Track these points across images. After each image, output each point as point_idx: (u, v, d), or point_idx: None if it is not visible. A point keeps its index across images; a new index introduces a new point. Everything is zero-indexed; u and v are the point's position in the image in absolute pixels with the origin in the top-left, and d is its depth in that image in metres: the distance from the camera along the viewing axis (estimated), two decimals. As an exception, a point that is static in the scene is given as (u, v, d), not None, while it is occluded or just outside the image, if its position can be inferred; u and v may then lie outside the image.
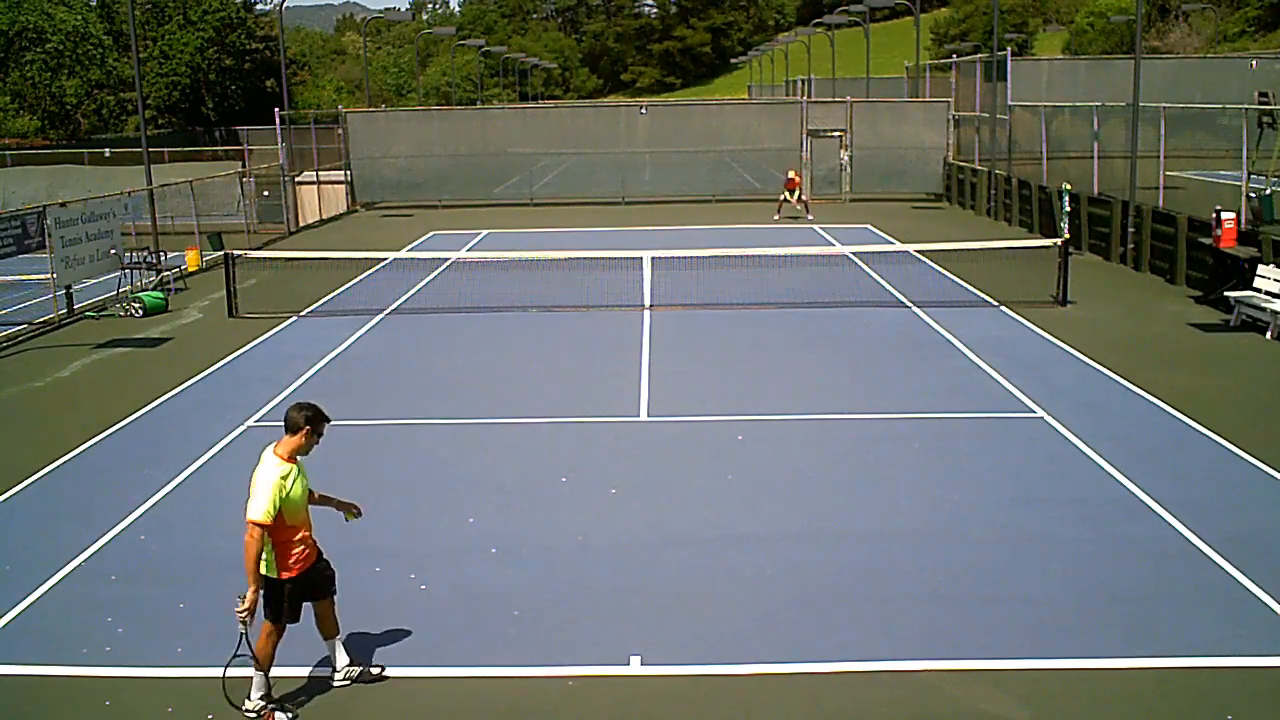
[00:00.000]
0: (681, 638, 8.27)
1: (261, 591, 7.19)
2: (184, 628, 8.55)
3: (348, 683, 7.66)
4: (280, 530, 7.18)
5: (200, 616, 8.75)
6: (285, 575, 7.27)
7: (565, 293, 21.16)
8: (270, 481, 7.08)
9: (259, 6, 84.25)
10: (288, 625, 7.39)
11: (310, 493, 7.51)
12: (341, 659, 7.71)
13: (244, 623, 7.08)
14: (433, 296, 22.09)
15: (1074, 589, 8.92)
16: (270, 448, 7.29)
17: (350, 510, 7.88)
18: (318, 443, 7.39)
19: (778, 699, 7.48)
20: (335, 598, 7.70)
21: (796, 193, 33.85)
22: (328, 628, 7.69)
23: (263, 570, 7.21)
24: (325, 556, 7.62)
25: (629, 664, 7.91)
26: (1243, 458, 11.84)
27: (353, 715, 7.43)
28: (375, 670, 7.75)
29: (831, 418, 13.69)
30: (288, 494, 7.14)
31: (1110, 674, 7.70)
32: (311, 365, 16.63)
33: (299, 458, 7.32)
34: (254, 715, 7.33)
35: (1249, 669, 7.72)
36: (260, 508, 7.03)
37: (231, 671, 7.25)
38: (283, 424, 7.33)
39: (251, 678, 7.35)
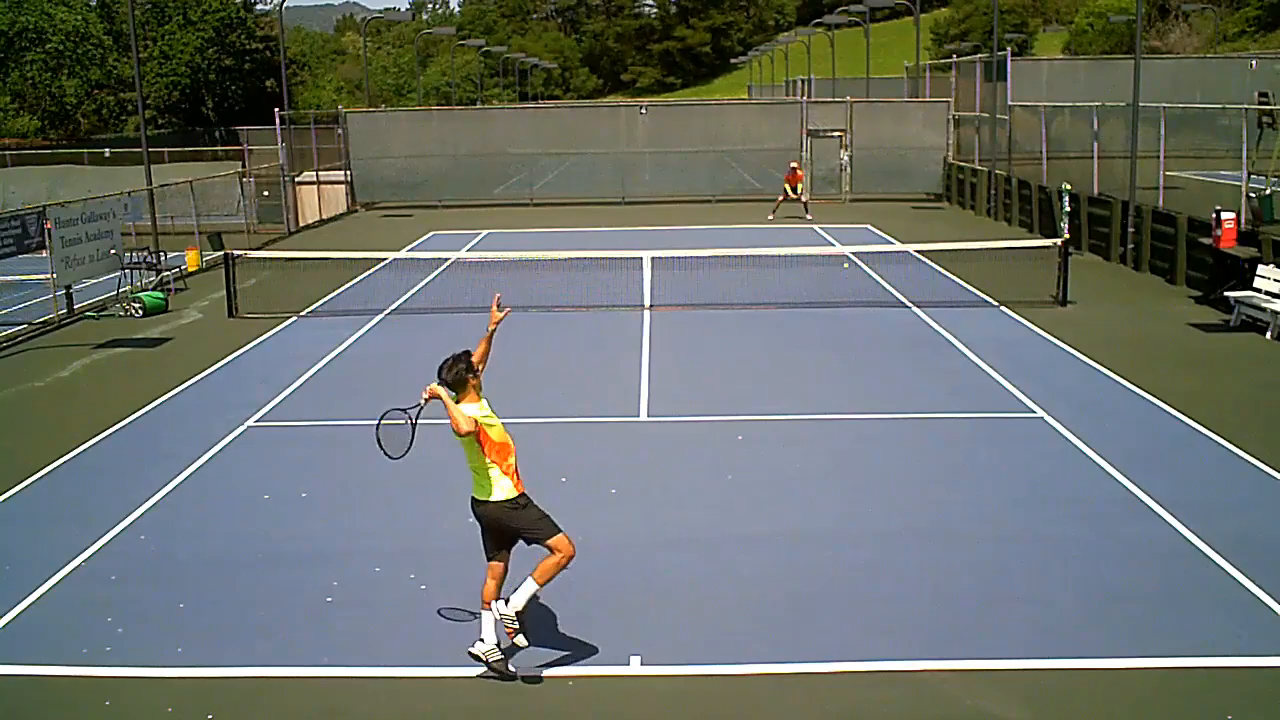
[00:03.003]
0: (681, 638, 8.27)
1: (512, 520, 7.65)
2: (184, 628, 8.55)
3: (484, 662, 7.66)
4: (491, 449, 7.52)
5: (200, 616, 8.75)
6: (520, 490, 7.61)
7: (565, 293, 21.15)
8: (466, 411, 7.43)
9: (259, 6, 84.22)
10: (492, 562, 7.74)
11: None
12: (489, 636, 7.72)
13: (422, 402, 7.54)
14: (433, 296, 22.09)
15: (1074, 589, 8.92)
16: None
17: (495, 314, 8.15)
18: (471, 384, 7.57)
19: (778, 699, 7.48)
20: (505, 567, 7.81)
21: (800, 188, 33.61)
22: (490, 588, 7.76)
23: (475, 492, 7.63)
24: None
25: (629, 664, 7.91)
26: (1243, 458, 11.84)
27: (353, 715, 7.43)
28: (513, 668, 7.72)
29: (831, 418, 13.69)
30: (486, 422, 7.52)
31: (1110, 674, 7.70)
32: (311, 365, 16.63)
33: (483, 400, 7.60)
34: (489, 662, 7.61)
35: (1249, 669, 7.72)
36: (463, 419, 7.35)
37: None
38: (452, 392, 7.51)
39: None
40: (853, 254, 24.22)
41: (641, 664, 7.91)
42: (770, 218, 33.10)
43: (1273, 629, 8.23)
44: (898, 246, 25.33)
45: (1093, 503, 10.71)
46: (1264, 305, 17.40)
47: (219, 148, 58.30)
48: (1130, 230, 23.53)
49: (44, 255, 20.40)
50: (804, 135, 39.15)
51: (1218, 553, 9.45)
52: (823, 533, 10.14)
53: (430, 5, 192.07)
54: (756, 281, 21.77)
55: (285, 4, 43.20)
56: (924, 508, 10.67)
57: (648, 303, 20.27)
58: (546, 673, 7.82)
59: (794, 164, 34.60)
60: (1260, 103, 22.11)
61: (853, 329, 18.45)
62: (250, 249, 25.08)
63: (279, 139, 36.65)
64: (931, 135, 39.20)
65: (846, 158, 39.19)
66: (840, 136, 39.26)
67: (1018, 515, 10.47)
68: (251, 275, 23.50)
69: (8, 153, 51.36)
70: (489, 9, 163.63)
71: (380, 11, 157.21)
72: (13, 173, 44.26)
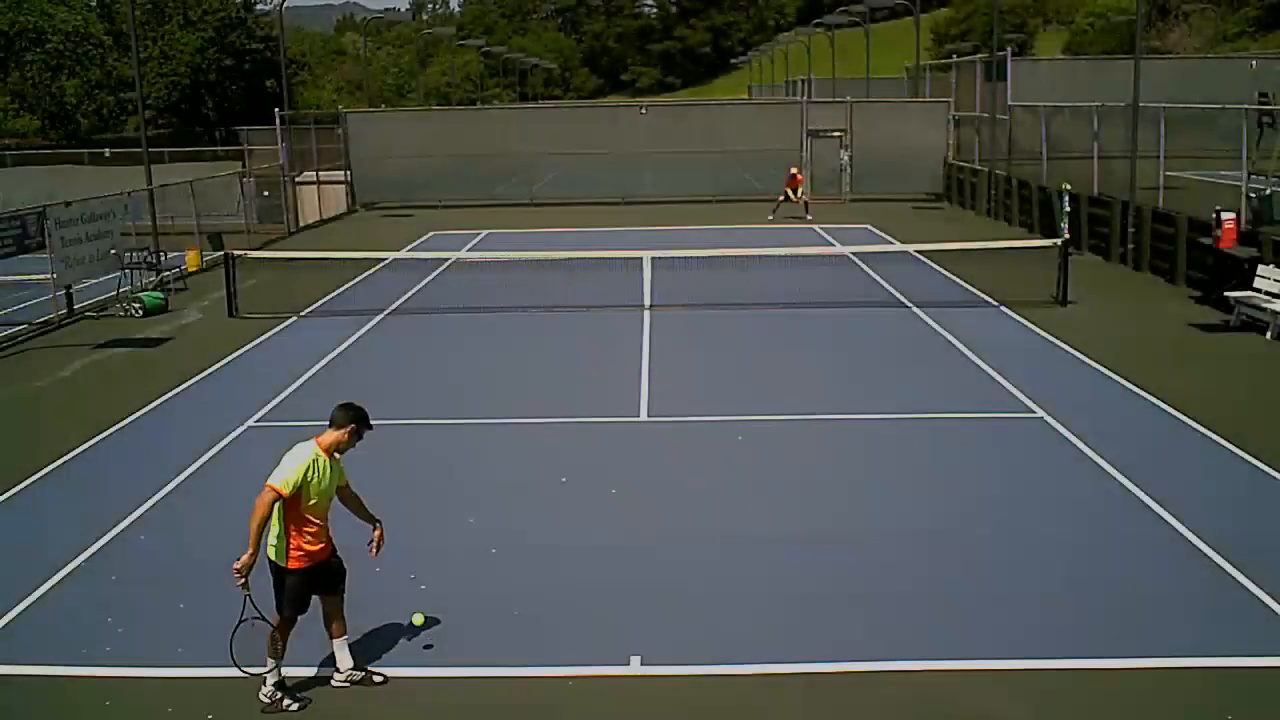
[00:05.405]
0: (681, 638, 8.27)
1: (272, 580, 7.40)
2: (184, 628, 8.55)
3: (348, 685, 7.66)
4: (296, 514, 7.29)
5: (200, 617, 8.74)
6: (293, 565, 7.35)
7: (565, 293, 21.15)
8: (300, 460, 7.27)
9: (259, 6, 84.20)
10: (296, 616, 7.46)
11: (344, 489, 7.66)
12: (345, 661, 7.71)
13: (243, 585, 7.21)
14: (433, 296, 22.08)
15: (1074, 589, 8.92)
16: (312, 439, 7.48)
17: (374, 529, 7.85)
18: (354, 446, 7.54)
19: (778, 699, 7.47)
20: (344, 597, 7.72)
21: (800, 190, 33.65)
22: (335, 627, 7.71)
23: (272, 556, 7.36)
24: (338, 555, 7.69)
25: (629, 664, 7.91)
26: (1243, 458, 11.84)
27: (353, 715, 7.43)
28: (378, 678, 7.73)
29: (831, 418, 13.69)
30: (313, 479, 7.27)
31: (1110, 674, 7.70)
32: (311, 365, 16.62)
33: (335, 454, 7.48)
34: (266, 703, 7.39)
35: (1249, 669, 7.72)
36: (281, 477, 7.19)
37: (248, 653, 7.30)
38: (328, 421, 7.51)
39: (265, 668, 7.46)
40: (853, 253, 24.21)
41: (641, 664, 7.91)
42: (769, 218, 33.09)
43: (1273, 629, 8.23)
44: (898, 246, 25.33)
45: (1093, 503, 10.71)
46: (1264, 305, 17.39)
47: (219, 148, 58.29)
48: (1130, 230, 23.52)
49: (44, 255, 20.39)
50: (804, 135, 39.14)
51: (1218, 553, 9.44)
52: (822, 533, 10.14)
53: (430, 5, 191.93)
54: (756, 281, 21.77)
55: (285, 4, 43.21)
56: (924, 508, 10.68)
57: (648, 303, 20.27)
58: (547, 672, 7.82)
59: (793, 169, 34.66)
60: (1260, 103, 22.12)
61: (852, 329, 18.45)
62: (250, 249, 25.04)
63: (279, 139, 36.63)
64: (931, 135, 39.17)
65: (846, 158, 39.17)
66: (840, 137, 39.25)
67: (1018, 515, 10.47)
68: (251, 275, 23.46)
69: (8, 153, 51.30)
70: (489, 9, 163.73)
71: (380, 11, 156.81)
72: (13, 173, 44.19)
